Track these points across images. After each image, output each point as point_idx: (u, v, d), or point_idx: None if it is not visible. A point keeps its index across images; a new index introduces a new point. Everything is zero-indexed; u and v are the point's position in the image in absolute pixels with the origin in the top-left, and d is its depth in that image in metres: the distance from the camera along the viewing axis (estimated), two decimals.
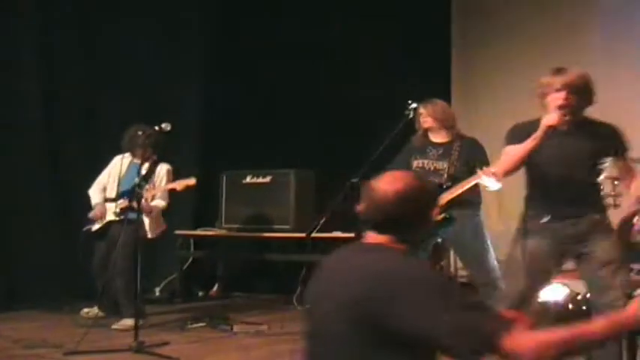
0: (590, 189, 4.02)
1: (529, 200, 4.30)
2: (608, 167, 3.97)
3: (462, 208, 5.52)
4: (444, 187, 5.66)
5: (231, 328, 6.11)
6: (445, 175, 5.71)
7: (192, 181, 6.22)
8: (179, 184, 6.23)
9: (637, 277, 5.49)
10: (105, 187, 6.57)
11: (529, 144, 4.10)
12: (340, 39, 8.44)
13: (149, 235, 6.30)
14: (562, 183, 4.17)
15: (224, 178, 8.06)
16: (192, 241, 8.31)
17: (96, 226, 6.51)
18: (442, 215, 5.69)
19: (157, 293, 8.00)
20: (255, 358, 5.13)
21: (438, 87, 7.03)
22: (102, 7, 7.85)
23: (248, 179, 7.93)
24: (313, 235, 7.24)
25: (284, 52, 8.67)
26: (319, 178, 7.74)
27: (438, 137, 5.85)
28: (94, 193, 6.59)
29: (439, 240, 5.86)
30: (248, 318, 6.59)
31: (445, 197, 5.66)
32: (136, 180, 5.85)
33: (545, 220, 4.19)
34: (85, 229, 6.56)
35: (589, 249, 4.16)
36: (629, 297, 4.14)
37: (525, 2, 8.11)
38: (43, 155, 7.59)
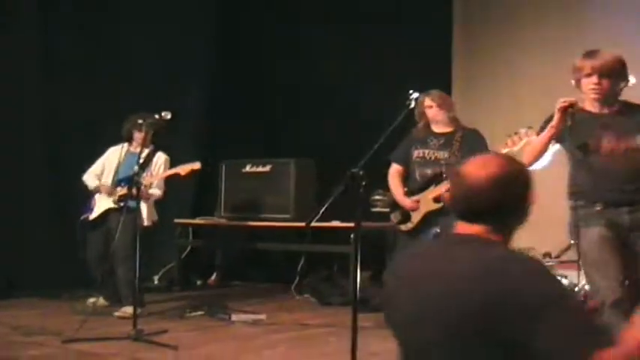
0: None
1: (577, 190, 4.08)
2: None
3: None
4: (444, 176, 5.67)
5: (230, 317, 6.12)
6: (444, 166, 5.73)
7: (196, 165, 6.24)
8: (183, 169, 6.23)
9: None
10: (98, 176, 6.56)
11: (547, 133, 4.03)
12: (340, 31, 8.44)
13: (145, 223, 6.27)
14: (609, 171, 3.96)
15: (223, 167, 8.05)
16: (190, 229, 8.31)
17: (93, 215, 6.49)
18: (440, 204, 5.71)
19: (156, 282, 8.01)
20: (253, 347, 5.13)
21: (438, 79, 7.01)
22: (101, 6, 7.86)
23: (247, 168, 7.92)
24: (312, 224, 7.28)
25: (285, 42, 8.66)
26: (319, 167, 7.74)
27: (439, 127, 5.86)
28: (90, 179, 6.58)
29: (438, 230, 5.85)
30: (246, 307, 6.60)
31: (444, 187, 5.67)
32: (135, 168, 5.83)
33: (598, 208, 3.99)
34: (82, 217, 6.55)
35: None
36: None
37: None
38: (44, 147, 7.62)
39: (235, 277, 8.51)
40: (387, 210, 6.15)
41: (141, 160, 5.99)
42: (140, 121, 6.30)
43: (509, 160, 2.27)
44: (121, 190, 6.32)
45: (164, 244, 7.94)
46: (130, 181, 6.14)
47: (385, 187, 6.15)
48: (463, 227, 2.21)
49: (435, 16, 8.16)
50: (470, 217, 2.20)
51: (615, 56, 4.07)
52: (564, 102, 3.96)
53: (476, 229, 2.19)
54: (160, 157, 6.46)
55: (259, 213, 7.74)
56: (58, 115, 7.68)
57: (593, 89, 4.00)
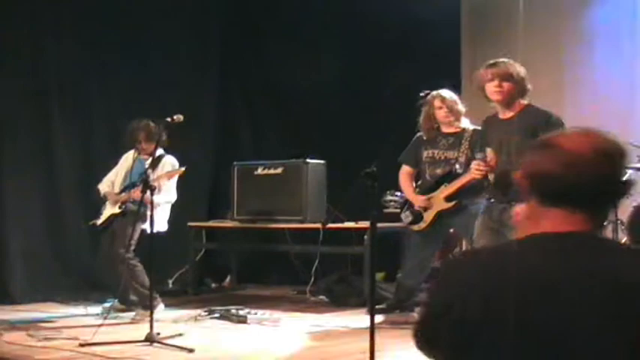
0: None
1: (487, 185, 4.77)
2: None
3: (473, 196, 5.54)
4: (454, 173, 5.68)
5: (245, 320, 6.13)
6: (456, 164, 5.73)
7: (180, 170, 6.25)
8: (169, 174, 6.23)
9: None
10: (112, 184, 6.65)
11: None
12: (354, 31, 8.45)
13: (147, 230, 6.08)
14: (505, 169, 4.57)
15: (235, 169, 8.06)
16: (204, 232, 8.32)
17: (100, 220, 6.56)
18: (453, 203, 5.72)
19: (170, 285, 8.02)
20: (269, 349, 5.13)
21: (448, 79, 7.02)
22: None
23: (259, 171, 7.92)
24: (327, 225, 7.30)
25: (298, 45, 8.67)
26: (331, 168, 7.74)
27: (448, 128, 5.88)
28: (103, 186, 6.68)
29: (451, 229, 5.86)
30: (261, 309, 6.60)
31: (455, 185, 5.68)
32: (149, 171, 5.86)
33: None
34: (90, 223, 6.61)
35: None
36: None
37: None
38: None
39: (250, 280, 8.51)
40: (398, 211, 6.15)
41: (146, 165, 6.03)
42: (139, 127, 6.45)
43: (609, 135, 1.79)
44: (125, 196, 6.38)
45: (178, 248, 7.95)
46: (132, 187, 6.23)
47: (397, 189, 6.16)
48: (559, 216, 1.72)
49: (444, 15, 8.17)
50: (571, 201, 1.71)
51: (512, 64, 4.69)
52: (478, 173, 4.75)
53: (576, 219, 1.72)
54: (166, 162, 6.44)
55: (272, 215, 7.74)
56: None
57: (495, 91, 4.63)
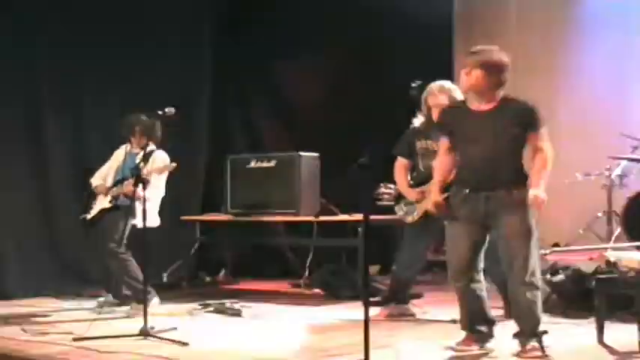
0: (507, 165, 4.41)
1: (456, 176, 4.63)
2: None
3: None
4: None
5: (240, 313, 6.12)
6: None
7: (171, 165, 6.23)
8: (159, 169, 6.21)
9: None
10: (104, 178, 6.63)
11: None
12: (348, 27, 8.45)
13: (138, 225, 6.07)
14: (481, 159, 4.45)
15: (228, 162, 8.05)
16: (198, 226, 8.31)
17: (90, 215, 6.54)
18: (446, 195, 5.69)
19: (164, 279, 8.00)
20: (264, 342, 5.13)
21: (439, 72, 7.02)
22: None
23: (253, 164, 7.91)
24: (320, 218, 7.29)
25: (292, 38, 8.66)
26: (324, 161, 7.74)
27: None
28: (95, 180, 6.67)
29: (445, 222, 5.83)
30: (256, 302, 6.60)
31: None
32: (141, 164, 5.84)
33: (465, 192, 4.52)
34: (81, 217, 6.59)
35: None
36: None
37: None
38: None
39: (244, 273, 8.50)
40: (392, 203, 6.14)
41: (137, 160, 6.01)
42: (135, 121, 6.45)
43: None
44: (116, 190, 6.36)
45: (172, 241, 7.94)
46: (124, 181, 6.22)
47: (390, 181, 6.15)
48: None
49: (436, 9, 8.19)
50: None
51: (489, 54, 4.49)
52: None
53: None
54: (156, 157, 6.38)
55: (266, 208, 7.74)
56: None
57: (463, 80, 4.51)
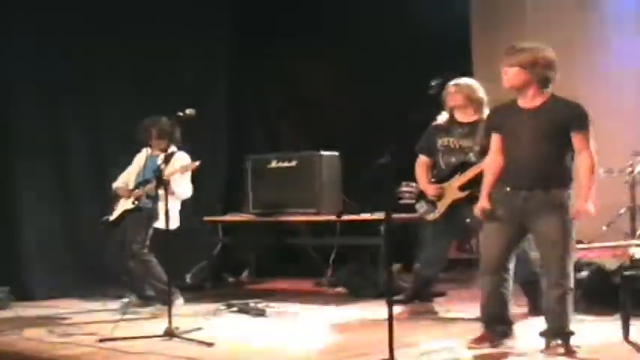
0: (548, 165, 4.34)
1: (501, 174, 4.56)
2: None
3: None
4: (470, 163, 5.65)
5: (264, 313, 6.13)
6: (471, 153, 5.70)
7: (194, 163, 6.25)
8: (182, 168, 6.24)
9: None
10: (127, 181, 6.70)
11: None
12: (362, 20, 8.44)
13: (161, 226, 6.14)
14: (522, 158, 4.42)
15: (249, 163, 8.07)
16: (220, 227, 8.34)
17: (113, 217, 6.59)
18: (467, 192, 5.68)
19: (188, 280, 8.03)
20: (289, 342, 5.14)
21: (458, 66, 6.99)
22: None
23: (273, 164, 7.92)
24: (343, 217, 7.30)
25: (310, 36, 8.67)
26: (345, 160, 7.74)
27: (464, 117, 5.84)
28: (117, 184, 6.74)
29: (467, 219, 5.82)
30: (280, 302, 6.61)
31: (468, 174, 5.65)
32: (162, 166, 5.88)
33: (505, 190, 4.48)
34: (103, 219, 6.64)
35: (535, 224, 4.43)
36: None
37: None
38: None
39: (267, 273, 8.51)
40: (414, 201, 6.13)
41: (159, 161, 6.05)
42: (151, 125, 6.54)
43: None
44: (138, 192, 6.40)
45: (195, 243, 7.97)
46: (146, 184, 6.26)
47: (413, 179, 6.14)
48: None
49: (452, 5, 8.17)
50: None
51: (529, 48, 4.44)
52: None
53: None
54: (177, 158, 6.39)
55: (287, 208, 7.75)
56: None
57: (503, 78, 4.47)
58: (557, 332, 4.44)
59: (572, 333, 4.44)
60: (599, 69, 7.86)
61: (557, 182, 4.40)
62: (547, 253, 4.44)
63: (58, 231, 7.52)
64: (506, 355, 4.50)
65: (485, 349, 4.58)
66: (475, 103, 5.79)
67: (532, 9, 8.12)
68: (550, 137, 4.35)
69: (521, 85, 4.44)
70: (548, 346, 4.45)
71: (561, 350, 4.40)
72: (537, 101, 4.46)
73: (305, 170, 7.69)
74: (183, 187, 6.44)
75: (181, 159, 6.41)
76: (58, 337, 5.39)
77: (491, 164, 4.65)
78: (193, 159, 6.40)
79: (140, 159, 6.72)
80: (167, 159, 6.07)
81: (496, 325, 4.65)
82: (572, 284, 4.47)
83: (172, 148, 6.32)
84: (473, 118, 5.78)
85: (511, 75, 4.44)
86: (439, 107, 5.90)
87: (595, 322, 5.29)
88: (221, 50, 8.92)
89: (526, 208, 4.43)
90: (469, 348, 4.60)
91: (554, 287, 4.42)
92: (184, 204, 6.63)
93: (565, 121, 4.39)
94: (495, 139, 4.63)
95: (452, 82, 5.75)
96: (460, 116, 5.84)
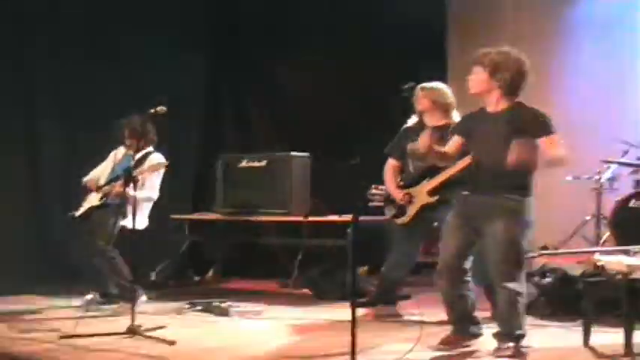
0: (501, 170, 4.29)
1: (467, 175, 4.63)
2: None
3: (457, 189, 5.51)
4: (439, 168, 5.66)
5: (227, 312, 6.11)
6: None
7: (163, 163, 6.22)
8: (152, 168, 6.20)
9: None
10: (99, 177, 6.65)
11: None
12: (341, 27, 8.47)
13: (128, 225, 6.06)
14: (482, 162, 4.45)
15: (219, 162, 8.04)
16: (187, 225, 8.30)
17: (79, 212, 6.54)
18: (435, 198, 5.70)
19: (153, 278, 7.98)
20: (251, 342, 5.13)
21: (434, 69, 7.02)
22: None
23: (244, 163, 7.91)
24: (310, 218, 7.29)
25: (286, 39, 8.67)
26: (315, 162, 7.74)
27: (432, 120, 5.83)
28: (87, 178, 6.69)
29: (435, 223, 5.84)
30: (244, 302, 6.59)
31: (438, 179, 5.66)
32: (132, 164, 5.85)
33: (464, 194, 4.57)
34: (69, 214, 6.58)
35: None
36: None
37: None
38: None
39: (233, 273, 8.49)
40: (383, 204, 6.14)
41: (132, 161, 6.01)
42: (124, 124, 6.52)
43: None
44: (107, 188, 6.36)
45: (160, 240, 7.92)
46: (116, 180, 6.22)
47: (383, 182, 6.15)
48: None
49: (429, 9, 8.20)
50: None
51: (494, 53, 4.44)
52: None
53: None
54: (152, 159, 6.38)
55: (256, 208, 7.73)
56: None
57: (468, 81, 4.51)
58: (507, 334, 4.48)
59: (522, 336, 4.47)
60: (570, 73, 7.94)
61: (511, 189, 4.40)
62: (492, 256, 4.46)
63: (22, 226, 7.45)
64: (460, 356, 4.55)
65: (445, 351, 4.62)
66: (441, 108, 5.79)
67: (512, 9, 8.19)
68: (509, 142, 4.28)
69: (485, 91, 4.46)
70: (498, 348, 4.49)
71: (509, 352, 4.43)
72: (500, 106, 4.47)
73: (275, 171, 7.69)
74: (152, 187, 6.43)
75: (156, 159, 6.39)
76: (19, 333, 5.33)
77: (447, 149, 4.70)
78: (164, 156, 6.38)
79: (115, 156, 6.70)
80: (142, 159, 6.05)
81: (463, 325, 4.68)
82: (521, 288, 4.47)
83: (149, 149, 6.30)
84: (441, 122, 5.77)
85: (475, 80, 4.46)
86: (409, 110, 5.91)
87: (558, 327, 5.33)
88: (197, 51, 8.88)
89: (480, 212, 4.46)
90: (438, 350, 4.62)
91: (499, 290, 4.46)
92: (156, 203, 6.60)
93: (525, 128, 4.36)
94: (454, 141, 4.67)
95: (420, 86, 5.75)
96: (428, 120, 5.85)
